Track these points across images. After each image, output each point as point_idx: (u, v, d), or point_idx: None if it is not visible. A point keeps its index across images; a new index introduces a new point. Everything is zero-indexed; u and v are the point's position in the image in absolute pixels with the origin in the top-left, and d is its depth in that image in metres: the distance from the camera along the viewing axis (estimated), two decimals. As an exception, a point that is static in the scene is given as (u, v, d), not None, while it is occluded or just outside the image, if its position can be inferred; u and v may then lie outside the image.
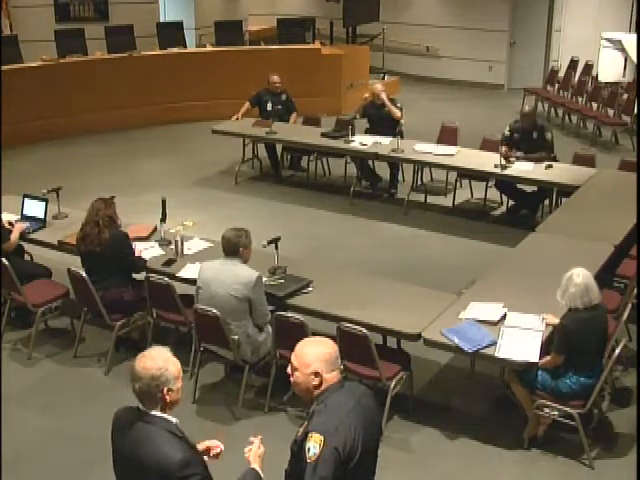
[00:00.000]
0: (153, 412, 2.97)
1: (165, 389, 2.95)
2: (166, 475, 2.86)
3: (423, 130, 10.12)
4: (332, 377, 3.01)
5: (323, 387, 3.00)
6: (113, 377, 5.74)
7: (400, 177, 9.57)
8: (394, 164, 9.30)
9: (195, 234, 6.53)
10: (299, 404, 5.13)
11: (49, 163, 10.59)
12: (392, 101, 9.28)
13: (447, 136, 9.36)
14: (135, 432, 2.97)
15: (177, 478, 2.85)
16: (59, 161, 10.74)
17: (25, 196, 6.89)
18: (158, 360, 2.98)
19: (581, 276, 4.64)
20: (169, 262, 5.97)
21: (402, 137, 9.09)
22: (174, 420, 3.00)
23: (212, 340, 5.30)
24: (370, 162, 9.49)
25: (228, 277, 5.14)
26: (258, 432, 2.97)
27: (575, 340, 4.63)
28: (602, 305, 4.80)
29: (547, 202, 8.32)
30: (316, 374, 2.99)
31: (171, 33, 13.30)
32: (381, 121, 9.25)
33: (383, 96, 9.19)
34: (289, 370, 3.09)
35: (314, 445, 2.88)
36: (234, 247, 5.16)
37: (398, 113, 9.13)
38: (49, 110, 11.63)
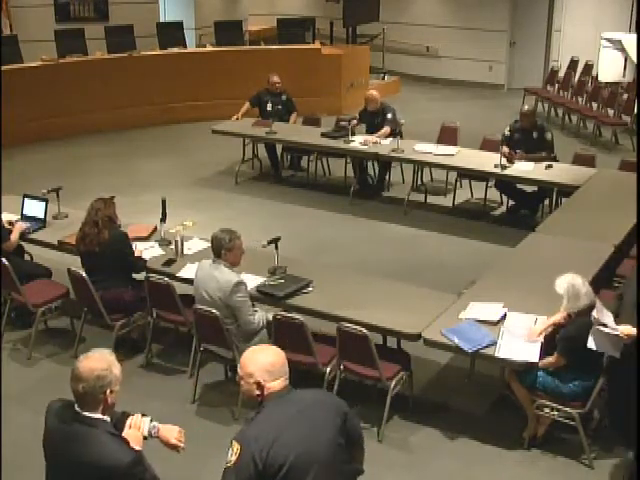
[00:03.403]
0: (89, 414, 2.98)
1: (108, 390, 2.98)
2: (115, 477, 2.89)
3: (423, 130, 10.12)
4: (276, 385, 2.97)
5: (266, 395, 2.97)
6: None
7: (400, 177, 9.58)
8: (383, 164, 9.30)
9: (195, 234, 6.53)
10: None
11: (49, 163, 10.60)
12: (384, 112, 9.20)
13: (447, 136, 9.36)
14: (74, 436, 2.96)
15: (127, 477, 2.89)
16: (59, 161, 10.74)
17: (25, 196, 6.89)
18: (103, 361, 3.02)
19: (580, 278, 4.67)
20: (169, 262, 5.97)
21: (402, 137, 9.10)
22: (108, 419, 3.04)
23: (212, 340, 5.30)
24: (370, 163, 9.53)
25: (211, 280, 5.16)
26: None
27: (582, 345, 4.63)
28: None
29: (547, 202, 8.32)
30: (258, 384, 2.97)
31: (171, 33, 13.32)
32: (375, 128, 9.21)
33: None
34: (237, 378, 3.08)
35: (231, 452, 2.86)
36: (216, 248, 5.18)
37: (387, 131, 9.03)
38: (49, 110, 11.63)
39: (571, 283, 4.65)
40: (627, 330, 4.33)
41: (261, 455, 2.81)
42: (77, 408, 3.00)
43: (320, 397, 3.16)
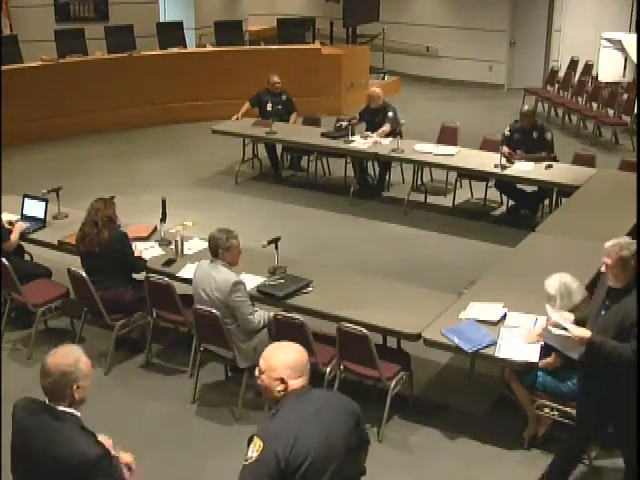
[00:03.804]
0: (61, 408, 3.02)
1: (75, 386, 3.01)
2: (82, 469, 2.93)
3: (423, 130, 10.12)
4: (296, 383, 2.97)
5: (288, 391, 2.97)
6: (113, 377, 5.74)
7: (400, 177, 9.59)
8: (384, 164, 9.31)
9: (195, 234, 6.53)
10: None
11: (49, 163, 10.60)
12: (385, 111, 9.21)
13: (447, 136, 9.36)
14: (44, 428, 3.01)
15: (93, 470, 2.93)
16: (59, 161, 10.74)
17: (25, 196, 6.89)
18: (69, 357, 3.04)
19: (569, 276, 4.68)
20: (169, 262, 5.97)
21: (402, 137, 9.10)
22: (78, 414, 3.07)
23: (212, 340, 5.30)
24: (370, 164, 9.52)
25: (209, 280, 5.16)
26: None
27: None
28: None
29: (547, 202, 8.32)
30: (281, 380, 2.95)
31: (171, 33, 13.32)
32: (376, 126, 9.23)
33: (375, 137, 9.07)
34: (257, 372, 3.07)
35: (252, 449, 2.86)
36: (213, 248, 5.18)
37: (387, 129, 9.06)
38: (49, 110, 11.64)
39: (562, 281, 4.65)
40: (579, 332, 4.09)
41: (284, 452, 2.82)
42: (47, 402, 3.04)
43: (335, 398, 3.15)
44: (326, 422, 2.95)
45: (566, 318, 4.30)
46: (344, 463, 2.98)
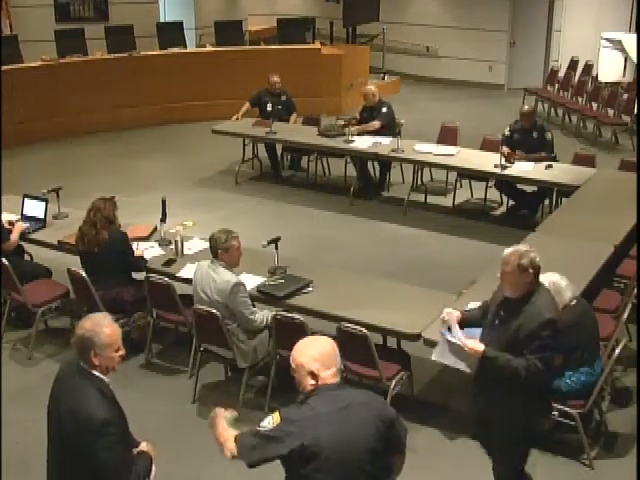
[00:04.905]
0: (87, 367, 3.15)
1: (92, 352, 3.12)
2: (88, 428, 3.04)
3: (423, 130, 10.12)
4: (328, 376, 2.99)
5: (319, 384, 2.98)
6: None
7: (400, 177, 9.58)
8: (385, 164, 9.31)
9: (195, 234, 6.53)
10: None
11: (49, 163, 10.60)
12: (379, 107, 9.24)
13: (447, 136, 9.36)
14: (70, 383, 3.17)
15: (96, 433, 3.04)
16: (59, 161, 10.74)
17: (25, 196, 6.89)
18: (94, 324, 3.18)
19: (556, 274, 4.66)
20: (169, 262, 5.97)
21: (401, 137, 9.09)
22: (107, 380, 3.21)
23: (212, 340, 5.30)
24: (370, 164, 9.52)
25: (209, 281, 5.16)
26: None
27: (574, 339, 4.63)
28: (582, 299, 4.87)
29: (547, 202, 8.32)
30: (312, 373, 2.98)
31: (171, 33, 13.33)
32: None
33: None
34: (291, 371, 3.08)
35: (270, 420, 2.94)
36: (213, 248, 5.19)
37: (376, 125, 9.09)
38: (49, 110, 11.65)
39: (551, 281, 4.61)
40: (473, 345, 3.95)
41: (293, 441, 2.86)
42: (81, 362, 3.19)
43: (367, 399, 3.09)
44: (349, 422, 2.94)
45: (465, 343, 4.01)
46: (367, 464, 2.97)
